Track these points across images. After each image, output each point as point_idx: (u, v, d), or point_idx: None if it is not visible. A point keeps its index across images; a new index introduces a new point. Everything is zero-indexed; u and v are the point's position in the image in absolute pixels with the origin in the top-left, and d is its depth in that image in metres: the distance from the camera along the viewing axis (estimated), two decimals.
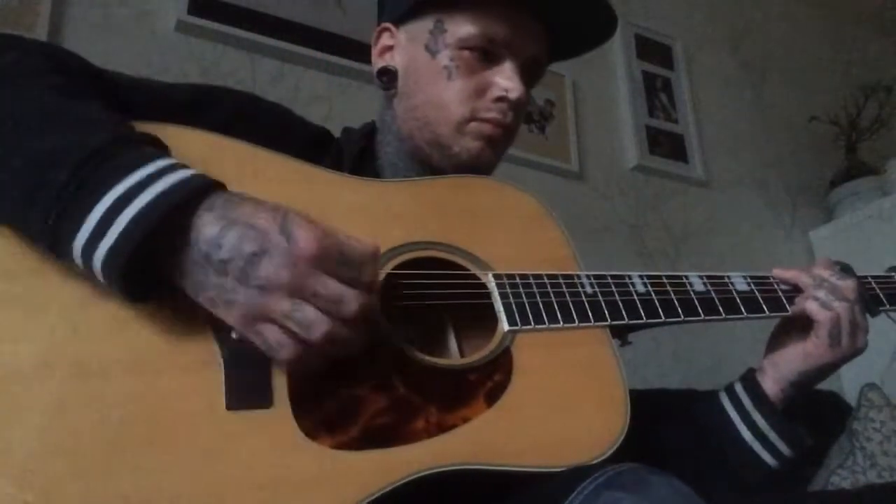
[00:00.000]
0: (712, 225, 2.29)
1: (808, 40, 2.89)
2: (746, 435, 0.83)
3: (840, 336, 0.82)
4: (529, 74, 0.87)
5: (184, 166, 0.58)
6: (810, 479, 1.79)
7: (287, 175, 0.73)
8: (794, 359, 0.84)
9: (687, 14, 2.58)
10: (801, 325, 0.86)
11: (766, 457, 0.83)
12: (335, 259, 0.57)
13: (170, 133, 0.66)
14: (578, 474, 0.59)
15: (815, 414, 1.85)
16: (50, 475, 0.51)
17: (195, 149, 0.67)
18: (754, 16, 2.77)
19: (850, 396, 2.00)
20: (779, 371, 0.85)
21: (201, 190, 0.57)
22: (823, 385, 2.17)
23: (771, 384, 0.85)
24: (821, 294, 0.83)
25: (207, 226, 0.56)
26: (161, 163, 0.57)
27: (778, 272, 0.88)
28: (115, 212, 0.54)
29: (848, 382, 2.19)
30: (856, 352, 0.84)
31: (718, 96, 2.53)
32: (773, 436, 0.83)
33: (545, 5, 0.85)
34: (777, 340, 0.88)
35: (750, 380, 0.86)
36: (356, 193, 0.76)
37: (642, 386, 1.84)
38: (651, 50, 2.39)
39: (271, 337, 0.57)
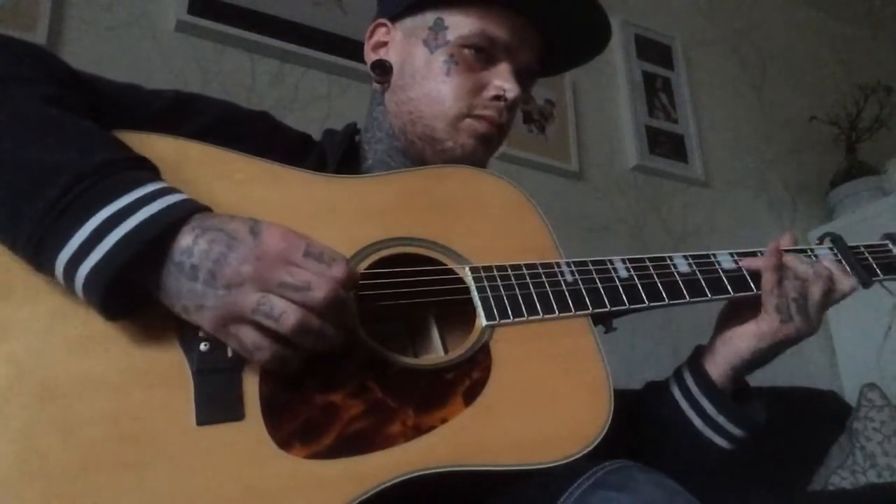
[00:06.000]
0: (712, 225, 2.29)
1: (808, 40, 2.89)
2: (697, 422, 0.83)
3: (790, 313, 0.81)
4: (522, 81, 0.88)
5: (172, 191, 0.59)
6: (810, 479, 1.79)
7: (256, 176, 0.72)
8: (745, 336, 0.82)
9: (687, 14, 2.58)
10: (751, 303, 0.84)
11: (719, 440, 0.82)
12: (301, 252, 0.58)
13: (138, 139, 0.66)
14: (567, 474, 0.59)
15: (815, 414, 1.86)
16: (19, 502, 0.50)
17: (163, 154, 0.66)
18: (754, 16, 2.77)
19: (850, 396, 2.00)
20: (729, 349, 0.83)
21: (187, 214, 0.58)
22: (823, 385, 2.17)
23: (719, 364, 0.83)
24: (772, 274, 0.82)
25: (183, 238, 0.57)
26: (151, 187, 0.58)
27: (745, 262, 0.85)
28: (102, 232, 0.54)
29: (848, 382, 2.19)
30: (811, 331, 0.82)
31: (718, 96, 2.53)
32: (721, 419, 0.82)
33: (545, 12, 0.86)
34: (727, 316, 0.87)
35: (696, 363, 0.85)
36: (328, 191, 0.75)
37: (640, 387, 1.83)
38: (651, 50, 2.39)
39: (246, 338, 0.57)
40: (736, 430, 0.82)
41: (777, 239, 0.87)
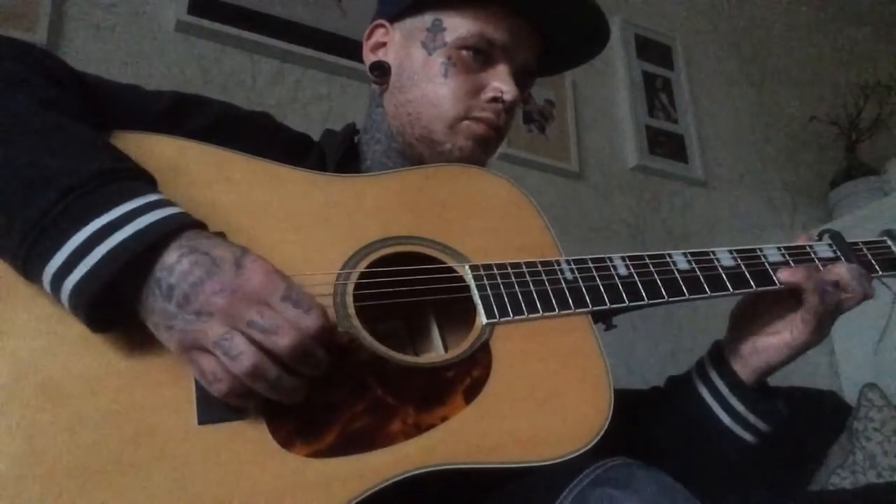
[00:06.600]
0: (712, 225, 2.29)
1: (808, 40, 2.89)
2: (725, 419, 0.85)
3: (829, 324, 0.83)
4: (521, 82, 0.88)
5: (165, 204, 0.58)
6: (810, 479, 1.79)
7: (255, 176, 0.72)
8: (778, 349, 0.84)
9: (687, 14, 2.58)
10: (773, 302, 0.85)
11: (746, 436, 0.85)
12: (279, 295, 0.56)
13: (137, 140, 0.66)
14: (568, 471, 0.60)
15: (815, 414, 1.86)
16: (21, 501, 0.50)
17: (163, 155, 0.66)
18: (754, 16, 2.77)
19: (850, 396, 2.00)
20: (760, 359, 0.84)
21: (177, 229, 0.57)
22: (823, 385, 2.17)
23: (747, 368, 0.85)
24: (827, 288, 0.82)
25: (169, 255, 0.56)
26: (144, 199, 0.57)
27: (784, 276, 0.84)
28: (91, 245, 0.53)
29: (848, 382, 2.19)
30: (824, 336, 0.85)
31: (718, 96, 2.53)
32: (751, 417, 0.84)
33: (543, 13, 0.86)
34: (748, 319, 0.87)
35: (722, 362, 0.87)
36: (328, 190, 0.75)
37: (641, 386, 1.84)
38: (651, 50, 2.40)
39: (206, 367, 0.55)
40: (762, 425, 0.84)
41: (799, 239, 0.89)
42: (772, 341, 0.84)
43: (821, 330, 0.82)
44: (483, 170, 0.84)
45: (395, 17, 0.90)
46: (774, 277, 0.84)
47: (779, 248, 0.87)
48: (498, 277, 0.74)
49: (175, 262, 0.55)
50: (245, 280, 0.55)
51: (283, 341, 0.54)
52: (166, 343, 0.57)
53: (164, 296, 0.55)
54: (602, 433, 0.66)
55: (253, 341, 0.54)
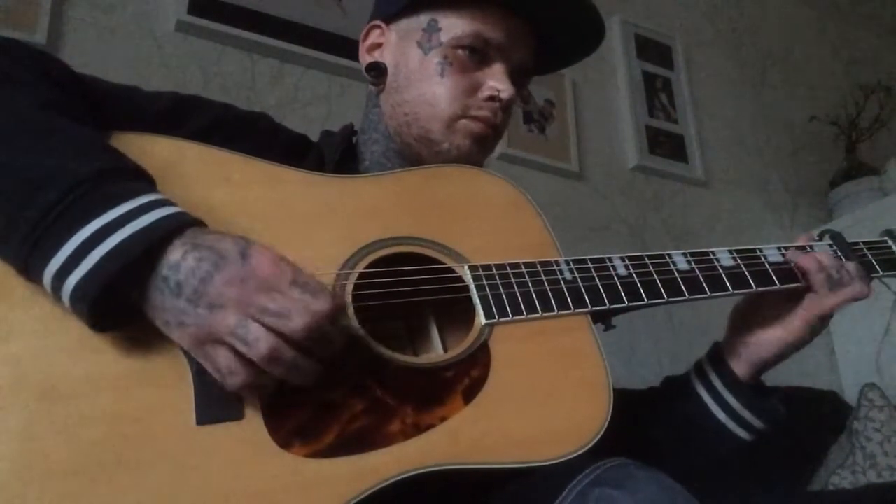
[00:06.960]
0: (712, 225, 2.29)
1: (808, 40, 2.89)
2: (721, 416, 0.86)
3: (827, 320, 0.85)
4: (517, 81, 0.88)
5: (165, 203, 0.58)
6: (810, 479, 1.79)
7: (254, 177, 0.72)
8: (771, 344, 0.85)
9: (687, 14, 2.58)
10: (771, 301, 0.86)
11: (742, 433, 0.86)
12: (288, 280, 0.57)
13: (137, 140, 0.66)
14: (567, 472, 0.60)
15: (815, 414, 1.85)
16: (20, 501, 0.51)
17: (161, 155, 0.67)
18: (754, 16, 2.77)
19: (850, 396, 1.99)
20: (753, 355, 0.86)
21: (176, 229, 0.57)
22: (823, 385, 2.16)
23: (743, 364, 0.86)
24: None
25: (172, 252, 0.56)
26: (144, 199, 0.57)
27: (799, 260, 0.85)
28: (92, 244, 0.54)
29: (848, 382, 2.19)
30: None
31: (718, 96, 2.53)
32: (746, 414, 0.85)
33: (539, 12, 0.86)
34: (746, 316, 0.88)
35: (719, 360, 0.88)
36: (327, 191, 0.75)
37: (642, 386, 1.84)
38: (651, 50, 2.39)
39: (221, 361, 0.56)
40: (758, 423, 0.86)
41: (799, 239, 0.90)
42: (766, 336, 0.85)
43: (816, 326, 0.84)
44: (482, 170, 0.85)
45: (391, 18, 0.90)
46: (790, 267, 0.85)
47: (779, 248, 0.87)
48: (497, 278, 0.74)
49: (180, 260, 0.56)
50: (253, 269, 0.56)
51: (296, 324, 0.56)
52: (178, 340, 0.57)
53: (173, 293, 0.56)
54: (601, 433, 0.66)
55: (268, 327, 0.55)
